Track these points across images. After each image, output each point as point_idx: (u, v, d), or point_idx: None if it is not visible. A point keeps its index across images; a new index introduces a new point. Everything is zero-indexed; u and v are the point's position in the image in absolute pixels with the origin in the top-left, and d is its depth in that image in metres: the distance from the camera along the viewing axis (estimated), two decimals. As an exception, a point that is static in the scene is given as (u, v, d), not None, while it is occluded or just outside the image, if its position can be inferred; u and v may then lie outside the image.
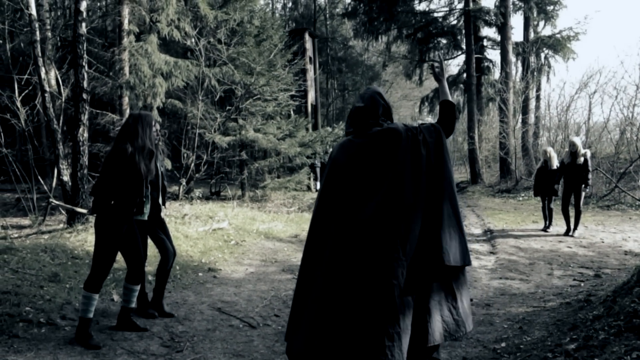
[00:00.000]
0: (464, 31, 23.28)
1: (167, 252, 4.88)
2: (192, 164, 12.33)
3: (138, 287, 4.37)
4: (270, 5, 28.28)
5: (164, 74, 10.85)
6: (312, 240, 3.22)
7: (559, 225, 10.42)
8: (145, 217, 4.37)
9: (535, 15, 22.45)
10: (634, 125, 18.63)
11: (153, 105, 10.50)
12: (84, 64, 8.50)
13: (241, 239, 8.96)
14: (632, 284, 4.44)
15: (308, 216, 12.65)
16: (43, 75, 9.14)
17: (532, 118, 22.37)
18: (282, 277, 6.81)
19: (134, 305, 4.43)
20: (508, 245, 8.82)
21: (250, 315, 5.08)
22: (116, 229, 4.06)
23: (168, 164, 10.83)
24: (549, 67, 23.51)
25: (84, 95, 8.49)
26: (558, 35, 22.31)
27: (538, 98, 23.51)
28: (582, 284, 6.34)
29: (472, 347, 4.32)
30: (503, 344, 4.32)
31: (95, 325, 4.41)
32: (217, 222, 9.59)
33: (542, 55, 23.51)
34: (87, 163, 8.71)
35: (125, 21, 10.47)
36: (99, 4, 13.50)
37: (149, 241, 4.90)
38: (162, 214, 4.86)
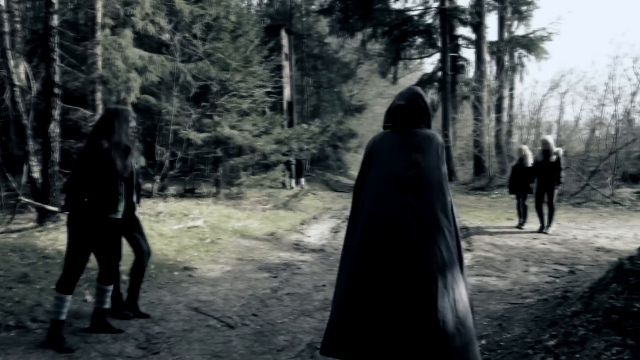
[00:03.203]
0: (439, 30, 23.45)
1: (142, 251, 4.76)
2: (167, 161, 12.14)
3: (111, 288, 4.25)
4: (246, 1, 28.03)
5: (138, 69, 10.63)
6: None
7: (532, 222, 10.53)
8: (120, 216, 4.24)
9: (509, 15, 22.71)
10: (603, 125, 19.00)
11: (127, 101, 10.28)
12: (55, 57, 8.27)
13: (217, 237, 8.84)
14: (609, 280, 4.47)
15: (284, 213, 12.58)
16: (12, 68, 8.88)
17: (505, 116, 22.63)
18: (259, 275, 6.73)
19: (107, 306, 4.31)
20: (484, 242, 8.88)
21: (227, 314, 5.00)
22: (90, 228, 3.94)
23: (142, 161, 10.63)
24: (522, 66, 23.85)
25: (56, 90, 8.27)
26: (532, 35, 22.65)
27: (511, 97, 23.80)
28: (558, 280, 6.43)
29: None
30: (483, 342, 4.31)
31: (68, 328, 4.27)
32: (192, 220, 9.46)
33: (516, 54, 23.85)
34: (58, 160, 8.48)
35: (99, 14, 10.23)
36: (70, -4, 13.18)
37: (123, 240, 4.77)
38: (137, 212, 4.74)
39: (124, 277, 5.33)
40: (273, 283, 6.34)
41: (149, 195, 11.64)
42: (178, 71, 12.07)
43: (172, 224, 8.99)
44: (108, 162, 3.97)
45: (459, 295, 2.95)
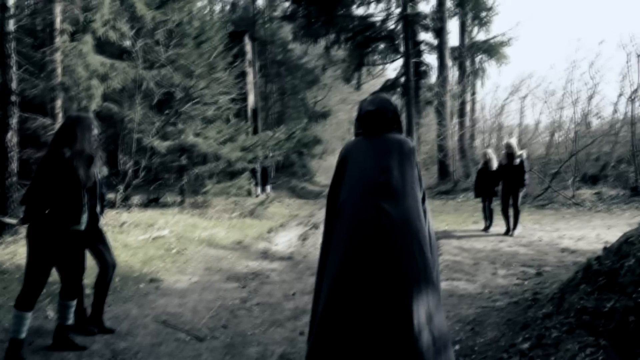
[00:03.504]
0: (402, 35, 23.64)
1: (106, 263, 4.60)
2: (130, 170, 11.87)
3: (74, 303, 4.08)
4: (209, 7, 27.77)
5: (99, 76, 10.37)
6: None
7: (498, 225, 10.65)
8: (83, 227, 4.07)
9: (470, 21, 23.07)
10: (562, 128, 19.45)
11: (89, 109, 10.00)
12: (12, 64, 8.01)
13: (183, 247, 8.66)
14: (578, 280, 4.52)
15: (250, 222, 12.45)
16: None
17: (468, 121, 22.95)
18: (227, 285, 6.60)
19: (71, 322, 4.14)
20: (451, 246, 8.92)
21: (197, 327, 4.87)
22: (51, 240, 3.78)
23: (105, 171, 10.36)
24: (484, 71, 24.27)
25: (13, 98, 8.00)
26: (492, 41, 23.06)
27: (473, 101, 24.17)
28: (526, 282, 6.47)
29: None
30: (457, 347, 4.30)
31: (29, 346, 4.08)
32: (158, 230, 9.26)
33: (477, 59, 24.23)
34: (16, 170, 8.19)
35: (58, 20, 9.95)
36: (26, 2, 12.80)
37: (87, 252, 4.59)
38: (100, 224, 4.58)
39: (88, 291, 5.15)
40: (242, 293, 6.22)
41: (112, 205, 11.36)
42: (141, 78, 11.83)
43: (137, 235, 8.77)
44: (70, 172, 3.82)
45: (434, 301, 2.90)
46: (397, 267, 2.82)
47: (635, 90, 14.97)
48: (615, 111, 18.35)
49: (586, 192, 15.24)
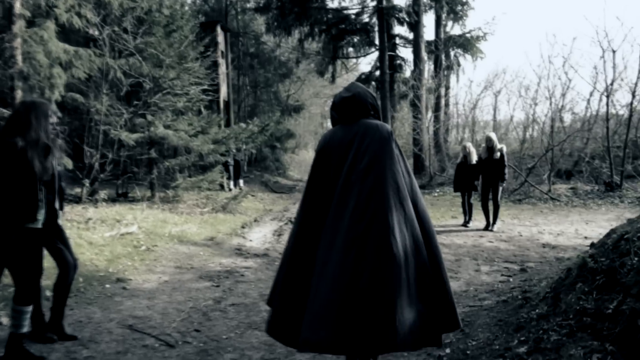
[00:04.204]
0: (377, 28, 23.40)
1: (67, 264, 4.19)
2: (97, 164, 11.33)
3: (29, 309, 3.67)
4: (179, -3, 27.12)
5: (62, 64, 9.82)
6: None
7: (477, 220, 10.51)
8: (40, 225, 3.67)
9: (445, 15, 22.96)
10: (537, 123, 19.48)
11: (51, 99, 9.44)
12: (-34, 50, 7.48)
13: (152, 244, 8.24)
14: (572, 279, 4.30)
15: (223, 217, 12.06)
16: None
17: (442, 115, 22.86)
18: (199, 285, 6.23)
19: (26, 329, 3.72)
20: (432, 242, 8.69)
21: (166, 331, 4.51)
22: (3, 239, 3.38)
23: (69, 164, 9.83)
24: (459, 65, 24.24)
25: (-33, 86, 7.48)
26: (468, 35, 22.99)
27: (447, 95, 24.10)
28: (511, 279, 6.33)
29: (415, 355, 4.00)
30: (447, 350, 4.04)
31: (-23, 357, 3.68)
32: (125, 226, 8.81)
33: (452, 53, 24.17)
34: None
35: (17, 4, 9.37)
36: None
37: (45, 253, 4.18)
38: (60, 221, 4.17)
39: (47, 294, 4.73)
40: (215, 293, 5.87)
41: (78, 200, 10.84)
42: (107, 67, 11.30)
43: (104, 231, 8.31)
44: (24, 164, 3.43)
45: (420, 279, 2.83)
46: (378, 248, 2.75)
47: (611, 85, 14.96)
48: (587, 107, 18.45)
49: (561, 187, 15.27)
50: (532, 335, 3.83)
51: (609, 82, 15.06)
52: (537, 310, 4.26)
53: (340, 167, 2.98)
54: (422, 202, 3.04)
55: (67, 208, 9.78)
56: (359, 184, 2.87)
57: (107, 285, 5.93)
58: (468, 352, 3.96)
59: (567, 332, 3.53)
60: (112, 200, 12.07)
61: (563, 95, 16.81)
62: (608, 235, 5.31)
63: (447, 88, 24.02)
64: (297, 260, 3.00)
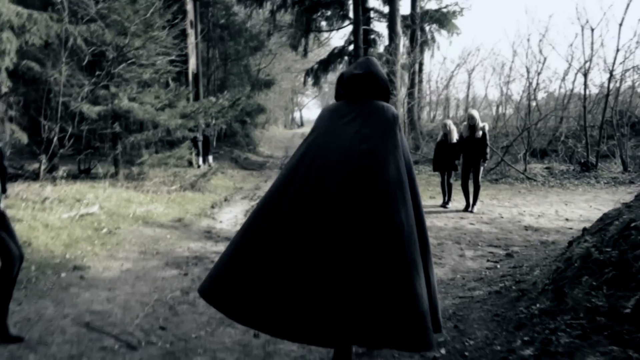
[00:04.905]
0: (351, 1, 22.80)
1: (11, 255, 3.66)
2: (55, 138, 10.57)
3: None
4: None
5: (14, 29, 9.03)
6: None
7: (456, 200, 10.23)
8: (-23, 212, 3.14)
9: (421, -12, 22.49)
10: (511, 101, 19.27)
11: (1, 66, 8.71)
12: None
13: (115, 226, 7.67)
14: (576, 271, 3.94)
15: (191, 195, 11.51)
16: None
17: (416, 92, 22.49)
18: (166, 273, 5.73)
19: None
20: (411, 225, 8.34)
21: (128, 330, 4.03)
22: None
23: (24, 138, 9.12)
24: (434, 41, 23.86)
25: None
26: (444, 10, 22.60)
27: (421, 71, 23.72)
28: (498, 265, 6.04)
29: (408, 356, 3.61)
30: (443, 351, 3.67)
31: None
32: (86, 206, 8.20)
33: (428, 29, 23.76)
34: None
35: (-37, -38, 8.57)
36: None
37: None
38: (2, 205, 3.62)
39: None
40: (184, 282, 5.39)
41: (35, 177, 10.14)
42: (67, 34, 10.48)
43: (62, 212, 7.68)
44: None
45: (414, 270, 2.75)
46: (370, 235, 2.66)
47: (589, 63, 14.74)
48: (562, 85, 18.27)
49: (537, 166, 15.12)
50: (537, 335, 3.47)
51: (586, 59, 14.84)
52: (538, 305, 3.91)
53: (339, 147, 2.82)
54: (419, 193, 2.94)
55: (23, 186, 9.12)
56: (358, 167, 2.73)
57: (63, 274, 5.37)
58: (466, 353, 3.59)
59: (580, 334, 3.17)
60: (73, 177, 11.39)
61: (538, 73, 16.55)
62: (602, 220, 4.99)
63: (421, 64, 23.61)
64: (258, 226, 2.83)
